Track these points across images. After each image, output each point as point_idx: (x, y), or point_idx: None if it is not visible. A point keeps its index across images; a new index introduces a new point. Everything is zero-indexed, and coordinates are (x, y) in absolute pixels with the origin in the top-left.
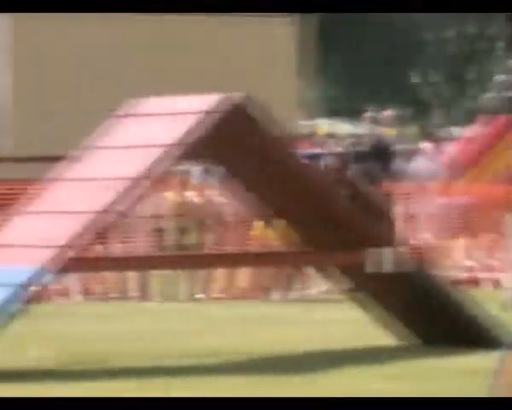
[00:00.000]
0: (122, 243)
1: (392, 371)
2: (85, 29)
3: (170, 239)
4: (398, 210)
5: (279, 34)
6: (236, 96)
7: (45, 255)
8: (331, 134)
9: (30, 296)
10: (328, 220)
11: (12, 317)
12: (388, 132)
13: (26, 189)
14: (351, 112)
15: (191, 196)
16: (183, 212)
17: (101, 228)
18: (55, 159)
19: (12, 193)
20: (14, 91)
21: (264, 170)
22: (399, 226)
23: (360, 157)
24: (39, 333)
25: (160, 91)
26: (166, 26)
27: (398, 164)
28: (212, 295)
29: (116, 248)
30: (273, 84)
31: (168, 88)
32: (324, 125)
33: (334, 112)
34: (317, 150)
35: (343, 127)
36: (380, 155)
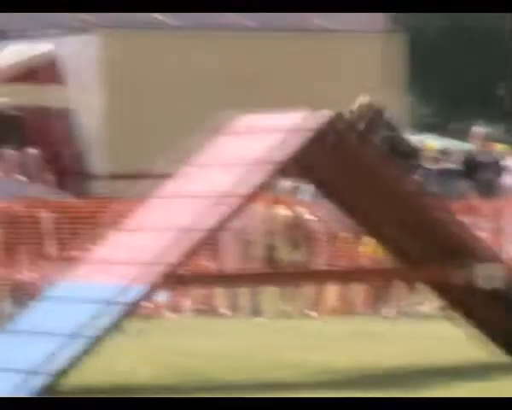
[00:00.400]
0: (233, 259)
1: (496, 389)
2: (178, 45)
3: (281, 255)
4: (489, 226)
5: (378, 50)
6: (330, 113)
7: (156, 273)
8: (440, 150)
9: (141, 313)
10: (428, 236)
11: (120, 333)
12: (498, 148)
13: (136, 206)
14: (451, 128)
15: (302, 212)
16: (294, 228)
17: (212, 245)
18: (151, 176)
19: (109, 210)
20: (108, 109)
21: (362, 188)
22: (491, 242)
23: (455, 173)
24: (150, 349)
25: (256, 108)
26: (260, 42)
27: (497, 179)
28: (323, 312)
29: (227, 264)
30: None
31: (264, 104)
32: (428, 141)
33: (431, 127)
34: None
35: (444, 143)
36: (481, 170)
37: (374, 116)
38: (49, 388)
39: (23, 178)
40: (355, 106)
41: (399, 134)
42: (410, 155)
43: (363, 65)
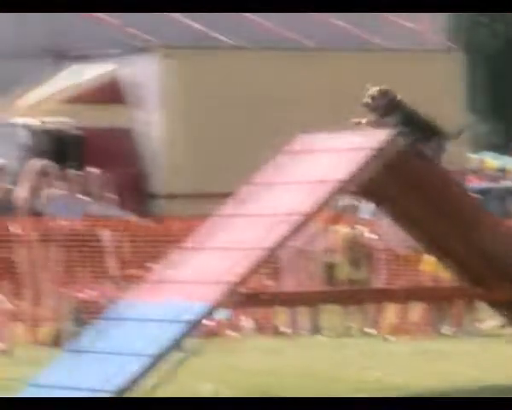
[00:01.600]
0: (293, 277)
1: None
2: (239, 64)
3: (341, 273)
4: None
5: (439, 69)
6: (391, 131)
7: (217, 291)
8: (500, 168)
9: (203, 332)
10: (492, 254)
11: (185, 352)
12: None
13: (197, 225)
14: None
15: (362, 230)
16: (354, 246)
17: (273, 263)
18: (214, 195)
19: (184, 229)
20: (170, 129)
21: (424, 205)
22: None
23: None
24: (211, 367)
25: (319, 126)
26: (322, 61)
27: None
28: (383, 330)
29: (287, 283)
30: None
31: (327, 122)
32: (492, 159)
33: (491, 146)
34: (486, 184)
35: (504, 161)
36: None
37: (389, 102)
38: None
39: (86, 198)
40: (367, 98)
41: (416, 112)
42: (431, 130)
43: (424, 84)
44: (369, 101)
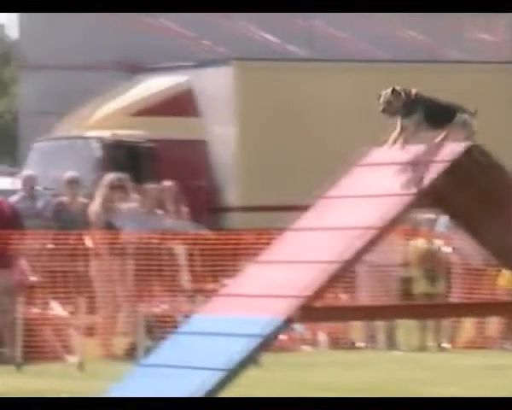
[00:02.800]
0: (369, 291)
1: None
2: (311, 76)
3: (417, 288)
4: None
5: (500, 80)
6: (466, 143)
7: (291, 305)
8: None
9: (277, 346)
10: None
11: (256, 366)
12: None
13: (270, 238)
14: None
15: (438, 244)
16: (431, 260)
17: (344, 277)
18: (286, 208)
19: (257, 242)
20: (243, 141)
21: (499, 219)
22: None
23: None
24: (285, 382)
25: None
26: (392, 73)
27: None
28: (459, 344)
29: (363, 297)
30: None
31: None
32: None
33: None
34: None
35: None
36: None
37: (406, 101)
38: None
39: (159, 211)
40: (383, 104)
41: (435, 99)
42: (452, 110)
43: (493, 96)
44: (386, 107)
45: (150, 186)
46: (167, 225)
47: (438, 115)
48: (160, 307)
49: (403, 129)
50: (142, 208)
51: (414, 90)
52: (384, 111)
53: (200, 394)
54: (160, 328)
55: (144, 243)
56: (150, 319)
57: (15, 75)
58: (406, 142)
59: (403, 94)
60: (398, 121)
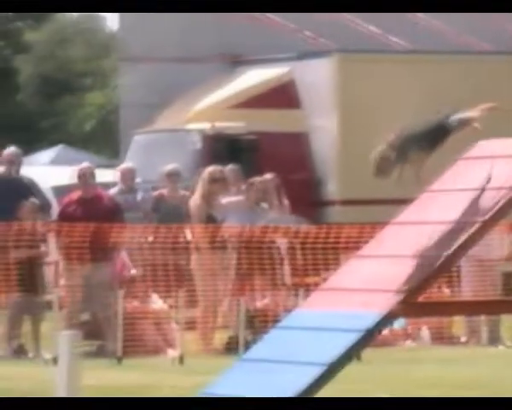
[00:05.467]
0: (471, 286)
1: None
2: (411, 68)
3: None
4: None
5: None
6: None
7: (393, 300)
8: None
9: (378, 341)
10: None
11: (357, 361)
12: None
13: (371, 232)
14: None
15: None
16: None
17: (447, 272)
18: (386, 202)
19: (357, 236)
20: (343, 133)
21: None
22: None
23: None
24: (386, 377)
25: (496, 133)
26: (495, 65)
27: None
28: None
29: (465, 292)
30: None
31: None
32: None
33: None
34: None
35: None
36: None
37: (396, 149)
38: None
39: (261, 204)
40: (380, 163)
41: (421, 127)
42: (443, 124)
43: None
44: (379, 167)
45: (254, 179)
46: (269, 219)
47: (432, 135)
48: (262, 301)
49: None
50: (243, 201)
51: (392, 135)
52: (378, 174)
53: (300, 389)
54: (261, 322)
55: (246, 237)
56: (251, 313)
57: (116, 67)
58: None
59: (388, 148)
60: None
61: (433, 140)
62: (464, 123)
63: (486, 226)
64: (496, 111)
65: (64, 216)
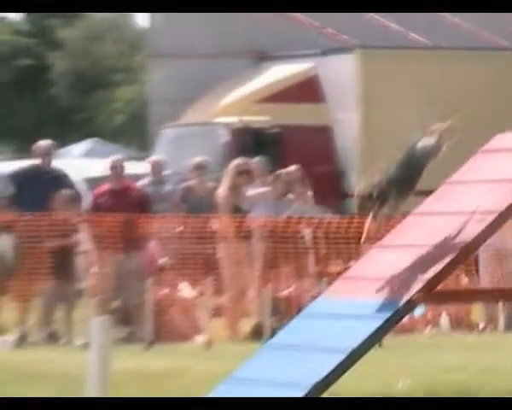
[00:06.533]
0: (489, 275)
1: None
2: (432, 63)
3: None
4: None
5: None
6: None
7: (414, 288)
8: None
9: (399, 328)
10: None
11: (378, 348)
12: None
13: (392, 222)
14: None
15: None
16: None
17: (465, 261)
18: (419, 193)
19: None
20: (366, 127)
21: None
22: None
23: None
24: (407, 363)
25: None
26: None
27: None
28: None
29: (484, 281)
30: None
31: None
32: None
33: None
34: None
35: None
36: None
37: (375, 196)
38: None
39: (286, 195)
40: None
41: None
42: (414, 161)
43: None
44: (366, 202)
45: (280, 171)
46: (294, 210)
47: (409, 178)
48: (287, 289)
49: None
50: (269, 193)
51: (376, 174)
52: (359, 211)
53: (323, 374)
54: (285, 309)
55: (271, 227)
56: (276, 301)
57: (145, 63)
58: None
59: (371, 187)
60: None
61: (411, 183)
62: (435, 153)
63: (503, 217)
64: (451, 131)
65: (96, 207)
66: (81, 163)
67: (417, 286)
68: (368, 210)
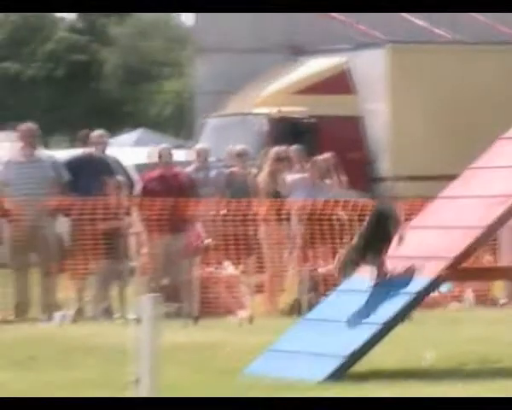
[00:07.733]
0: (510, 253)
1: None
2: (458, 58)
3: None
4: None
5: None
6: None
7: (441, 266)
8: None
9: (428, 303)
10: None
11: (408, 322)
12: None
13: (421, 205)
14: None
15: None
16: None
17: (488, 240)
18: (446, 178)
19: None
20: (394, 117)
21: None
22: None
23: None
24: (434, 336)
25: None
26: None
27: None
28: None
29: (506, 259)
30: None
31: None
32: None
33: None
34: None
35: None
36: None
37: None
38: (342, 371)
39: (328, 181)
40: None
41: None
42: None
43: None
44: (348, 267)
45: (317, 158)
46: (332, 194)
47: (385, 238)
48: (324, 267)
49: None
50: (306, 178)
51: (356, 238)
52: (340, 274)
53: (357, 346)
54: (323, 286)
55: (309, 210)
56: (314, 278)
57: (191, 58)
58: None
59: (351, 251)
60: None
61: (385, 241)
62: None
63: None
64: None
65: (146, 191)
66: (132, 151)
67: (444, 264)
68: (348, 275)
